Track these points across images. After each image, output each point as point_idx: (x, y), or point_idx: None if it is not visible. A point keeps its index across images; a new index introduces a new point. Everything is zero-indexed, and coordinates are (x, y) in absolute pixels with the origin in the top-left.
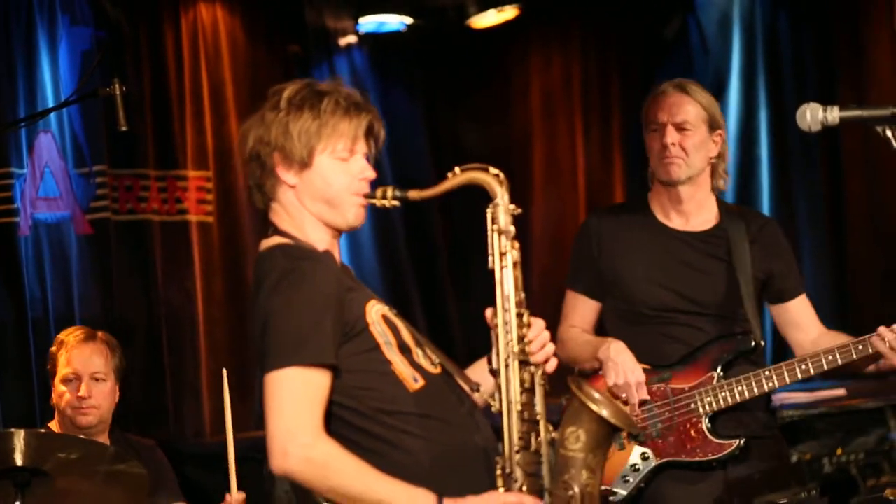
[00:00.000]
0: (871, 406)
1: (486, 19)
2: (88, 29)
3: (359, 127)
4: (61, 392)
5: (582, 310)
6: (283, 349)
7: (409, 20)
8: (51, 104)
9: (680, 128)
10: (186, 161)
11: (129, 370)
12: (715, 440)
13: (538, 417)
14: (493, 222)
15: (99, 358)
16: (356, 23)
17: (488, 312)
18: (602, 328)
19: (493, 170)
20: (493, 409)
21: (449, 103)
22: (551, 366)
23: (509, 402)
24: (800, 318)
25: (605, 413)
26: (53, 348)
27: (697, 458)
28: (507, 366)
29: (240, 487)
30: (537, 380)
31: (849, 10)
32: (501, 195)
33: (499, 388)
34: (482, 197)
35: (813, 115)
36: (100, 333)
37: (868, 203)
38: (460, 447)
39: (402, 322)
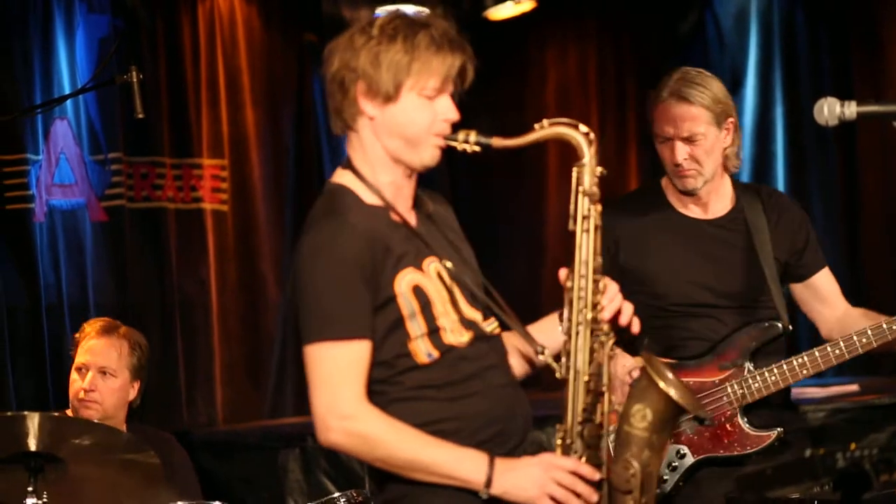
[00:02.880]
0: (884, 401)
1: (502, 11)
2: (105, 16)
3: (451, 66)
4: (72, 381)
5: None
6: (313, 322)
7: (425, 10)
8: (67, 91)
9: (689, 140)
10: (202, 149)
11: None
12: (753, 432)
13: (604, 389)
14: (577, 183)
15: (112, 352)
16: (373, 13)
17: (562, 273)
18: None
19: (583, 127)
20: (556, 375)
21: (463, 95)
22: (635, 327)
23: (576, 372)
24: (825, 293)
25: (673, 394)
26: (77, 335)
27: (736, 453)
28: (577, 333)
29: (253, 476)
30: (607, 350)
31: (865, 5)
32: (589, 155)
33: (567, 354)
34: (487, 183)
35: (830, 110)
36: (123, 329)
37: (883, 198)
38: (462, 418)
39: (442, 287)
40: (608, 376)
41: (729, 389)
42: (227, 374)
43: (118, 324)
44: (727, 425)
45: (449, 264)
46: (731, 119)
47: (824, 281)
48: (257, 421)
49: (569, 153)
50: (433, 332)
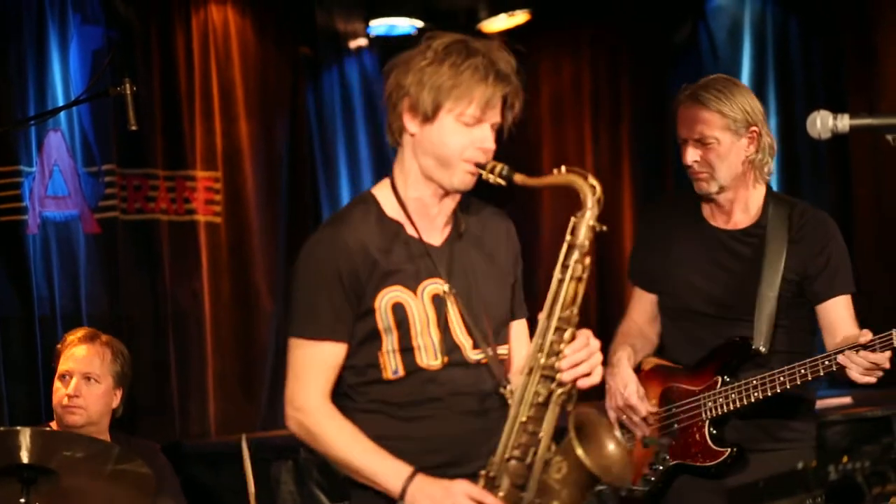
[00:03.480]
0: (877, 414)
1: (496, 24)
2: (100, 28)
3: (493, 96)
4: (56, 389)
5: (640, 302)
6: (293, 319)
7: (419, 24)
8: (61, 103)
9: (700, 143)
10: (195, 161)
11: (134, 378)
12: (712, 447)
13: (541, 435)
14: (570, 233)
15: (95, 359)
16: (367, 25)
17: (541, 315)
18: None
19: (592, 180)
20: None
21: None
22: (584, 383)
23: (516, 412)
24: (831, 322)
25: (588, 461)
26: (58, 346)
27: (699, 464)
28: (528, 374)
29: (246, 488)
30: (554, 398)
31: (860, 18)
32: (590, 208)
33: (513, 393)
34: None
35: (823, 123)
36: (105, 336)
37: (876, 211)
38: (412, 440)
39: (432, 310)
40: (552, 422)
41: (702, 402)
42: (219, 385)
43: (99, 333)
44: (697, 435)
45: (445, 288)
46: (754, 128)
47: (833, 311)
48: (251, 433)
49: (565, 164)
50: (405, 350)
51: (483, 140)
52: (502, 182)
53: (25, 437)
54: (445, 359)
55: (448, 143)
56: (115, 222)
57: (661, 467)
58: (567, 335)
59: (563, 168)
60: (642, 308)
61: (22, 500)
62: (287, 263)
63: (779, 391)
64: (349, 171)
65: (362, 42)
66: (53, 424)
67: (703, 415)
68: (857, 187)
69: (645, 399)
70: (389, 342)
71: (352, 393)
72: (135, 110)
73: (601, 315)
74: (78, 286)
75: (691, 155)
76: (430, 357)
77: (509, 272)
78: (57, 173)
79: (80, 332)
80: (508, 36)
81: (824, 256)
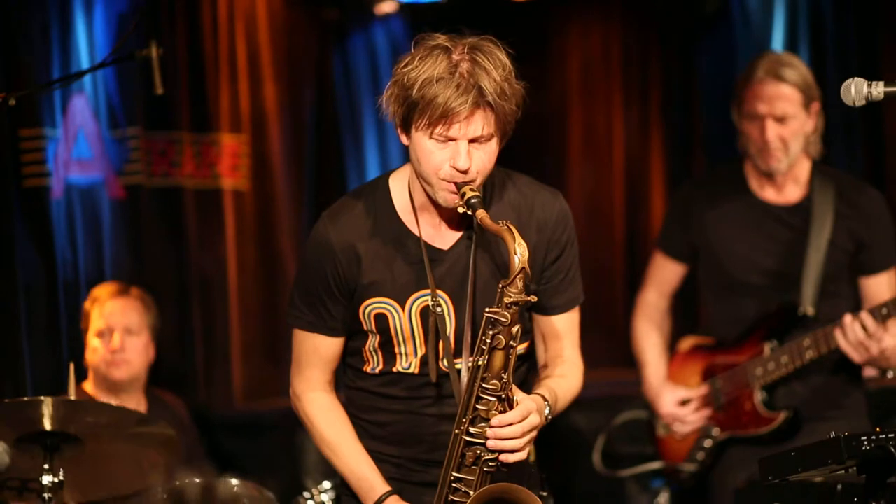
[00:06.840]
0: None
1: None
2: None
3: (462, 113)
4: (94, 347)
5: (666, 273)
6: (289, 307)
7: None
8: (85, 66)
9: (780, 119)
10: (221, 126)
11: (159, 344)
12: (764, 413)
13: (472, 493)
14: (496, 303)
15: (133, 312)
16: None
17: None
18: (681, 294)
19: (519, 245)
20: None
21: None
22: (509, 459)
23: (446, 471)
24: (873, 296)
25: None
26: (87, 303)
27: (751, 433)
28: (453, 438)
29: (271, 456)
30: (481, 462)
31: None
32: (514, 278)
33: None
34: (508, 159)
35: (858, 90)
36: (133, 289)
37: None
38: (386, 426)
39: (418, 322)
40: (483, 483)
41: (749, 370)
42: (245, 353)
43: (128, 286)
44: (746, 405)
45: (431, 303)
46: (815, 103)
47: (875, 284)
48: (275, 400)
49: (593, 132)
50: (388, 353)
51: (456, 158)
52: (469, 211)
53: (48, 406)
54: (419, 368)
55: (422, 161)
56: (140, 187)
57: (709, 444)
58: (489, 406)
59: (508, 223)
60: (667, 278)
61: (45, 467)
62: None
63: (832, 347)
64: (376, 137)
65: (390, 7)
66: (87, 386)
67: (752, 383)
68: (889, 155)
69: (684, 402)
70: (372, 342)
71: (347, 370)
72: (160, 74)
73: (630, 289)
74: (102, 252)
75: (771, 131)
76: (406, 364)
77: (537, 265)
78: (81, 137)
79: (109, 288)
80: (538, 5)
81: (877, 228)
